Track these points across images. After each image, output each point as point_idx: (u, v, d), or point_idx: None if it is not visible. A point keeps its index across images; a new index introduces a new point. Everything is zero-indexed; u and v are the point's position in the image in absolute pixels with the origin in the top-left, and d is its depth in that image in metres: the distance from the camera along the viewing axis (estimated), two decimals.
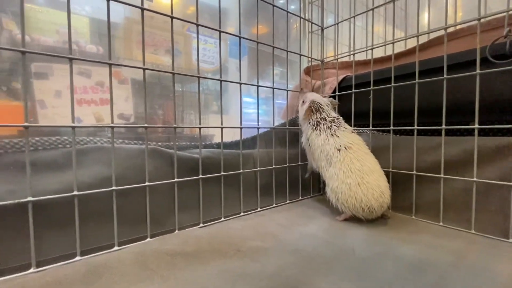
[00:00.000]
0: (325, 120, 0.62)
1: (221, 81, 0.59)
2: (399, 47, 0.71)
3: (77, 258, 0.40)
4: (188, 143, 0.66)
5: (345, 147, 0.56)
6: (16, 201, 0.35)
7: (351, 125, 0.65)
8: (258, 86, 0.65)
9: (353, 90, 0.74)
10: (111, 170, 0.42)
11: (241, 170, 0.62)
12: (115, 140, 0.43)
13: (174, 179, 0.50)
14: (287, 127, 0.76)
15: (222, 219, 0.59)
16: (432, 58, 0.60)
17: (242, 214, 0.62)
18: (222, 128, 0.59)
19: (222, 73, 0.62)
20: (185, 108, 1.34)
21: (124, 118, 1.07)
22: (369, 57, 0.73)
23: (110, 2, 0.43)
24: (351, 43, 0.80)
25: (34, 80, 0.94)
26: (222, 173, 0.58)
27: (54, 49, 0.95)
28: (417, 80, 0.57)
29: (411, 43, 0.66)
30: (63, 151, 0.44)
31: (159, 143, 0.57)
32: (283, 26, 0.74)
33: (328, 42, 0.88)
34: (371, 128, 0.71)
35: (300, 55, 0.79)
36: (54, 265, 0.38)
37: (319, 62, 0.86)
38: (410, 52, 0.70)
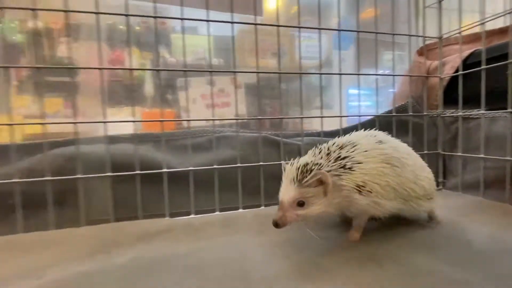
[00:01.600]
0: None
1: (320, 74, 0.67)
2: None
3: (216, 212, 0.60)
4: (292, 131, 0.77)
5: None
6: (181, 169, 0.56)
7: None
8: (359, 74, 0.70)
9: (484, 66, 0.63)
10: (236, 152, 0.59)
11: None
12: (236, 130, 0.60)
13: (280, 161, 0.62)
14: (393, 114, 0.74)
15: None
16: None
17: None
18: (322, 117, 0.66)
19: (327, 66, 0.70)
20: (290, 105, 1.46)
21: (240, 117, 1.28)
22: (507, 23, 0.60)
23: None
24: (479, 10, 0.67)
25: (179, 92, 1.25)
26: None
27: (192, 66, 1.24)
28: None
29: None
30: (207, 138, 0.65)
31: (269, 133, 0.70)
32: (395, 7, 0.73)
33: (447, 16, 0.79)
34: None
35: (409, 35, 0.76)
36: (203, 215, 0.59)
37: (436, 40, 0.79)
38: None
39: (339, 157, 0.44)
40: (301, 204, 0.41)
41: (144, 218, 0.56)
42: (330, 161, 0.44)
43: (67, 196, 0.55)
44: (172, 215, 0.57)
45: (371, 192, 0.43)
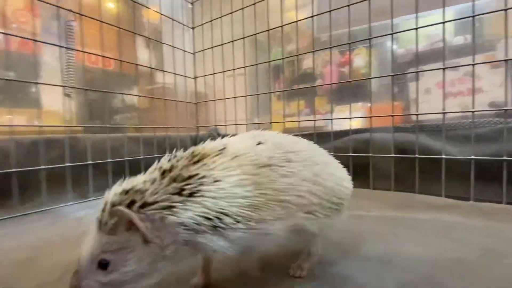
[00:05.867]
0: None
1: None
2: None
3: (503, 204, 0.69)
4: None
5: None
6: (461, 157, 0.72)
7: None
8: None
9: None
10: None
11: None
12: None
13: None
14: None
15: None
16: None
17: None
18: None
19: None
20: None
21: (496, 106, 0.98)
22: None
23: None
24: None
25: (409, 83, 1.16)
26: None
27: (425, 54, 1.10)
28: None
29: None
30: (489, 129, 0.74)
31: None
32: None
33: None
34: None
35: None
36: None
37: None
38: None
39: (179, 176, 0.29)
40: (103, 265, 0.27)
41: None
42: (165, 183, 0.29)
43: (361, 169, 0.92)
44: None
45: (238, 222, 0.28)
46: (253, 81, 1.37)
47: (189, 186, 0.29)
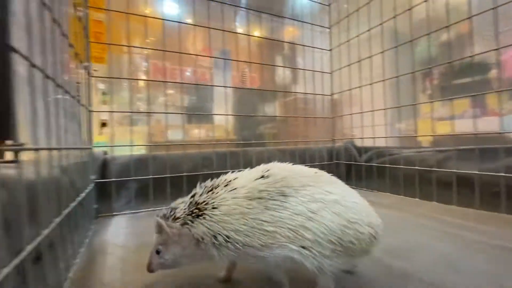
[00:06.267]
0: None
1: None
2: None
3: None
4: None
5: None
6: None
7: None
8: None
9: None
10: None
11: None
12: None
13: None
14: None
15: None
16: None
17: None
18: None
19: None
20: None
21: None
22: None
23: None
24: None
25: None
26: None
27: None
28: None
29: None
30: None
31: None
32: None
33: None
34: None
35: None
36: None
37: None
38: None
39: (196, 201, 0.41)
40: (158, 252, 0.41)
41: None
42: (188, 205, 0.41)
43: None
44: None
45: (228, 242, 0.36)
46: (394, 84, 1.20)
47: (196, 210, 0.40)
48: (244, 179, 0.42)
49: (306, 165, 0.47)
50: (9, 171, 0.31)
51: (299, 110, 1.50)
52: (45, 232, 0.38)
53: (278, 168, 0.43)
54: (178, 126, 1.29)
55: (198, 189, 0.44)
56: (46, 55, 0.41)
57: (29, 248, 0.32)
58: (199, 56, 1.33)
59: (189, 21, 1.22)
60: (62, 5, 0.57)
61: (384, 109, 1.25)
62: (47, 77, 0.41)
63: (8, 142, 0.26)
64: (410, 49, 1.13)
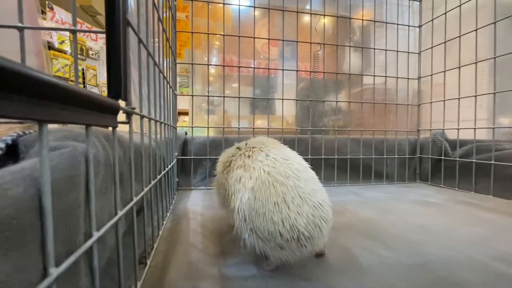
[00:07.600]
0: None
1: None
2: None
3: None
4: None
5: None
6: None
7: None
8: None
9: None
10: None
11: None
12: None
13: None
14: None
15: None
16: None
17: None
18: None
19: None
20: None
21: None
22: None
23: None
24: None
25: None
26: None
27: None
28: None
29: None
30: None
31: None
32: None
33: None
34: None
35: None
36: None
37: None
38: None
39: None
40: None
41: None
42: None
43: None
44: None
45: None
46: (497, 67, 0.99)
47: None
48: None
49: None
50: (122, 131, 0.37)
51: (378, 96, 1.37)
52: (146, 189, 0.43)
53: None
54: (245, 117, 1.33)
55: None
56: (148, 40, 0.47)
57: (135, 199, 0.38)
58: (265, 50, 1.33)
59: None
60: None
61: (487, 94, 1.05)
62: (149, 54, 0.47)
63: (122, 102, 0.30)
64: None
